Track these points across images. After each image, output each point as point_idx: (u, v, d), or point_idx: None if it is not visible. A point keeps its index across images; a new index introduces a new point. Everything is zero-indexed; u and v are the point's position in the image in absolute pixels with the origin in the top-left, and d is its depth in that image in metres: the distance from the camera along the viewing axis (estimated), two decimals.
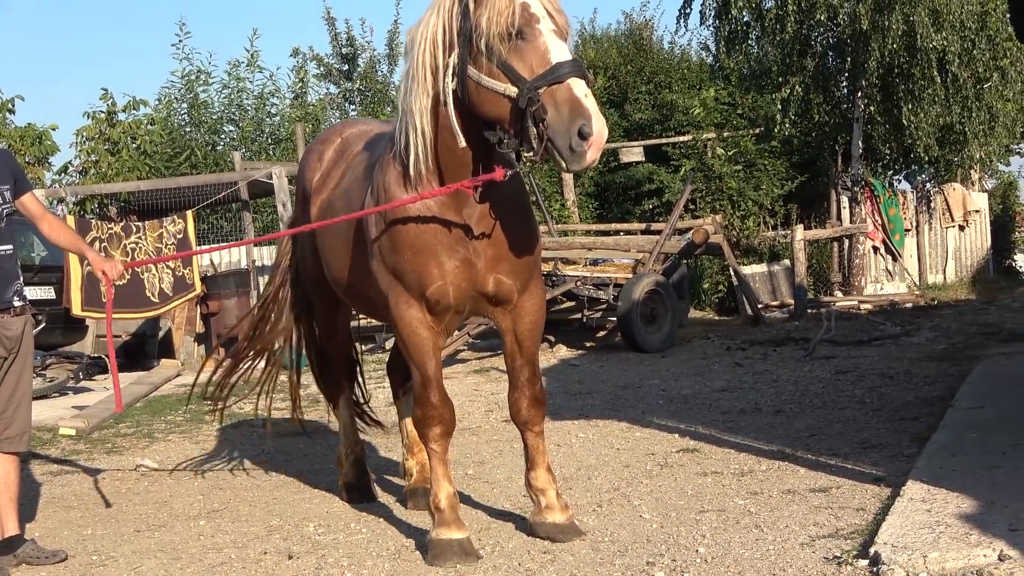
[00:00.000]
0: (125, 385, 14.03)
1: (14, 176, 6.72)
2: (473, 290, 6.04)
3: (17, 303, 6.57)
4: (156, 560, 6.52)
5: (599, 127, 5.20)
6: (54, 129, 25.97)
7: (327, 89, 28.70)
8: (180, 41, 25.96)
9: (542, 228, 18.67)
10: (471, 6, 5.44)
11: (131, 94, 26.34)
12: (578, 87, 5.28)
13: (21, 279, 6.68)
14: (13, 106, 25.84)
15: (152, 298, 15.99)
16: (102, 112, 25.97)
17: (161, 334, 17.73)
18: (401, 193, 5.93)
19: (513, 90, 5.35)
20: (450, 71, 5.59)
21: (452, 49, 5.58)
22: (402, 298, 6.07)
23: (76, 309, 15.09)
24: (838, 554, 5.68)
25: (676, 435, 9.39)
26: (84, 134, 26.11)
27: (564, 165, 5.40)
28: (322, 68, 27.98)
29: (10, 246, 6.58)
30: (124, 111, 25.63)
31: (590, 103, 5.24)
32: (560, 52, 5.37)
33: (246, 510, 7.70)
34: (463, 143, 5.67)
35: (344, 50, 27.92)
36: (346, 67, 28.00)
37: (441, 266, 5.91)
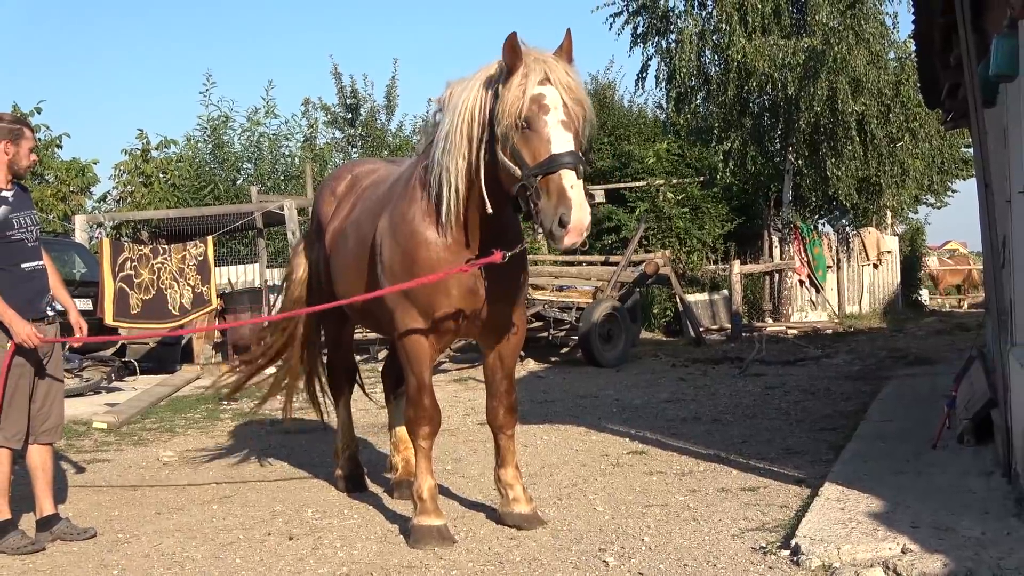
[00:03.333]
0: (151, 386, 14.00)
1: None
2: (476, 318, 6.06)
3: (50, 312, 6.53)
4: (174, 539, 6.47)
5: (578, 217, 5.15)
6: (95, 163, 25.96)
7: (333, 134, 28.70)
8: (207, 89, 25.95)
9: None
10: (501, 91, 5.43)
11: (163, 134, 26.52)
12: (567, 178, 5.20)
13: (51, 292, 6.63)
14: (60, 142, 25.75)
15: (173, 311, 15.92)
16: (138, 149, 25.95)
17: (183, 342, 17.64)
18: (425, 228, 5.95)
19: (519, 172, 5.34)
20: (484, 145, 5.59)
21: (485, 127, 5.57)
22: (409, 315, 6.04)
23: (108, 319, 15.06)
24: (764, 545, 5.68)
25: (627, 439, 9.38)
26: (122, 168, 26.09)
27: (549, 244, 5.64)
28: (329, 116, 27.95)
29: (41, 262, 6.54)
30: (157, 149, 25.62)
31: (575, 194, 5.17)
32: (562, 143, 5.29)
33: (253, 497, 7.65)
34: (491, 209, 5.68)
35: (348, 101, 27.92)
36: (350, 115, 27.98)
37: (450, 294, 5.90)
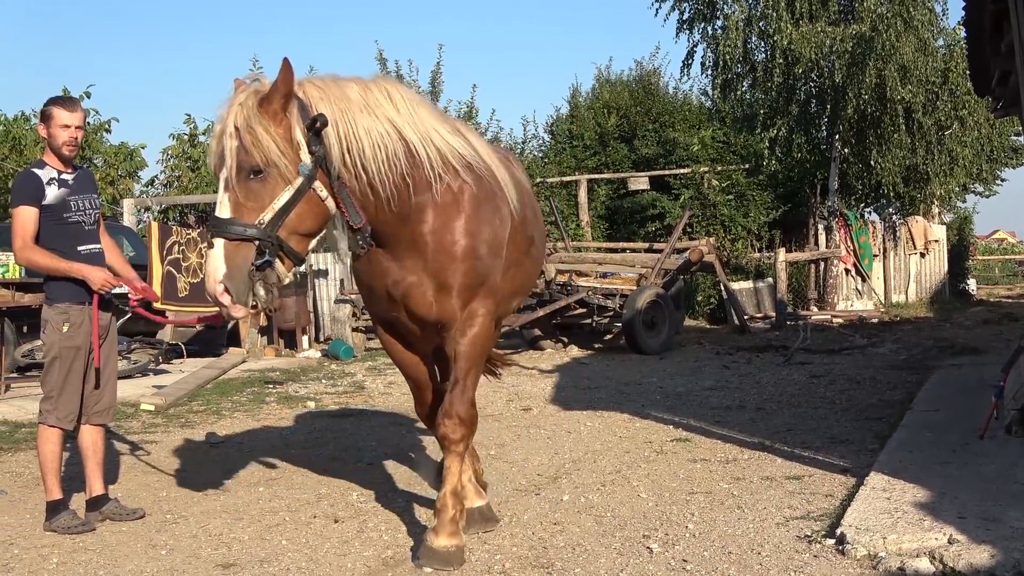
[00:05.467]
0: (198, 368, 14.12)
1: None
2: (409, 310, 5.42)
3: (106, 296, 6.59)
4: (221, 520, 6.53)
5: (209, 285, 4.72)
6: (143, 147, 26.16)
7: None
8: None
9: (559, 245, 18.76)
10: None
11: (211, 119, 26.41)
12: (216, 245, 4.68)
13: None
14: (109, 126, 25.96)
15: None
16: (185, 134, 26.13)
17: (229, 326, 17.77)
18: None
19: None
20: None
21: None
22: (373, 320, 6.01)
23: (156, 303, 15.15)
24: (809, 533, 5.66)
25: (671, 426, 9.37)
26: (169, 152, 26.27)
27: None
28: None
29: (98, 245, 6.60)
30: (204, 133, 25.74)
31: (209, 263, 4.71)
32: (217, 206, 4.79)
33: (299, 479, 7.70)
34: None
35: None
36: None
37: (374, 294, 5.52)
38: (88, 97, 24.75)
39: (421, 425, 9.40)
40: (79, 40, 67.94)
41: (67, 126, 6.42)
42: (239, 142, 4.67)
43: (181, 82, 66.39)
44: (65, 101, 6.70)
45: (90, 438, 6.66)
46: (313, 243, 5.01)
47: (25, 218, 6.35)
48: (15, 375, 13.42)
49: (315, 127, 4.71)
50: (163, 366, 14.66)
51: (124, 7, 69.92)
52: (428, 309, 5.35)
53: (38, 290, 10.53)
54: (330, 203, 4.89)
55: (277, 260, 4.73)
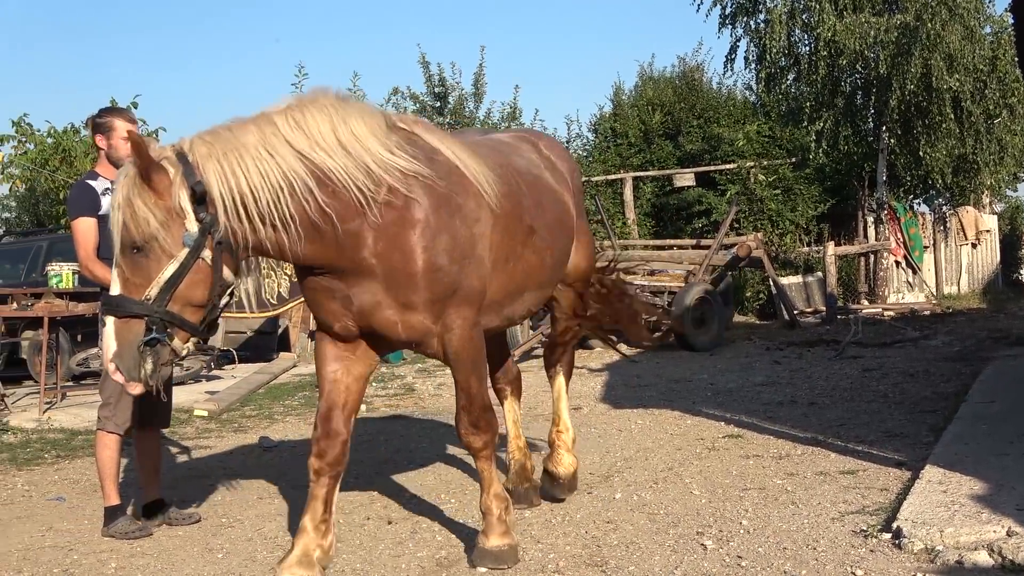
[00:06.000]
0: (250, 374, 14.23)
1: None
2: (366, 327, 5.21)
3: None
4: (275, 523, 6.58)
5: (104, 361, 4.72)
6: None
7: None
8: (299, 81, 26.19)
9: (605, 243, 18.74)
10: None
11: None
12: (107, 322, 4.63)
13: None
14: (157, 136, 26.21)
15: (271, 300, 16.17)
16: None
17: (280, 331, 17.89)
18: None
19: None
20: None
21: None
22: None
23: None
24: (864, 528, 5.62)
25: (722, 423, 9.33)
26: None
27: None
28: (418, 104, 28.08)
29: None
30: None
31: (104, 341, 4.68)
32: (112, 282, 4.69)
33: (351, 481, 7.72)
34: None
35: (437, 89, 27.98)
36: (438, 104, 28.07)
37: (322, 306, 5.25)
38: (136, 107, 24.99)
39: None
40: (124, 50, 68.80)
41: (128, 137, 6.47)
42: (122, 217, 4.53)
43: (227, 90, 66.93)
44: (123, 112, 6.79)
45: (147, 444, 6.74)
46: (216, 313, 4.81)
47: (86, 230, 6.43)
48: (70, 383, 13.59)
49: (196, 194, 4.53)
50: (215, 372, 14.77)
51: (168, 15, 70.69)
52: (394, 328, 5.16)
53: (92, 299, 10.67)
54: (228, 274, 4.70)
55: (174, 335, 4.64)
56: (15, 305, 12.46)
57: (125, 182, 4.55)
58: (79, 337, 14.34)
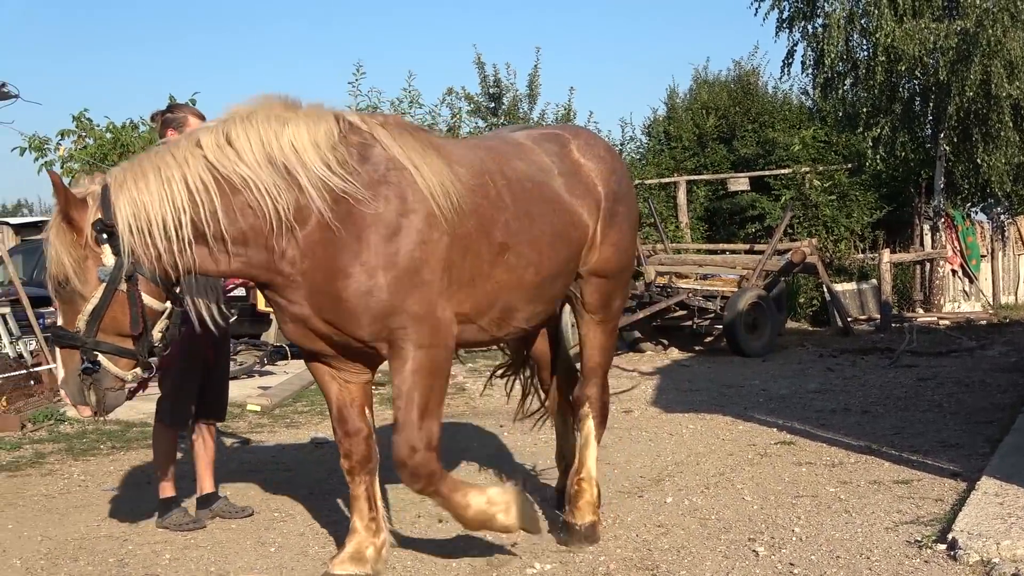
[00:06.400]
0: (302, 370, 14.30)
1: None
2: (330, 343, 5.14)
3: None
4: (327, 518, 6.62)
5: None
6: None
7: (476, 123, 28.88)
8: (356, 80, 26.39)
9: (658, 247, 18.69)
10: None
11: None
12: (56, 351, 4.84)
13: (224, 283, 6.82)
14: None
15: None
16: None
17: None
18: None
19: None
20: None
21: None
22: None
23: (261, 305, 15.39)
24: (919, 539, 5.56)
25: (774, 429, 9.27)
26: None
27: None
28: (472, 105, 28.14)
29: None
30: None
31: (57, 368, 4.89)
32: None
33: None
34: None
35: (491, 90, 28.03)
36: (492, 104, 28.12)
37: (283, 323, 5.22)
38: (194, 104, 25.27)
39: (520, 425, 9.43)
40: (183, 46, 69.65)
41: None
42: (48, 256, 4.67)
43: (285, 87, 67.45)
44: (193, 108, 6.86)
45: (202, 437, 6.82)
46: (155, 335, 4.81)
47: None
48: None
49: (108, 227, 4.60)
50: (268, 367, 14.90)
51: (228, 13, 71.52)
52: (340, 349, 5.13)
53: None
54: (153, 302, 4.73)
55: (108, 362, 4.70)
56: None
57: (51, 221, 4.68)
58: None
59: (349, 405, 5.39)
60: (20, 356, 13.04)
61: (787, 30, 22.60)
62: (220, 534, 6.38)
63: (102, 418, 5.01)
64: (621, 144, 27.96)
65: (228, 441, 9.58)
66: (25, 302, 12.70)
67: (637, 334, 16.85)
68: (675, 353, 16.47)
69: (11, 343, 13.23)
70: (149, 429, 7.97)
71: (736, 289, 16.47)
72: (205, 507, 6.78)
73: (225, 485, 7.55)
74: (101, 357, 4.68)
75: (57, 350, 4.80)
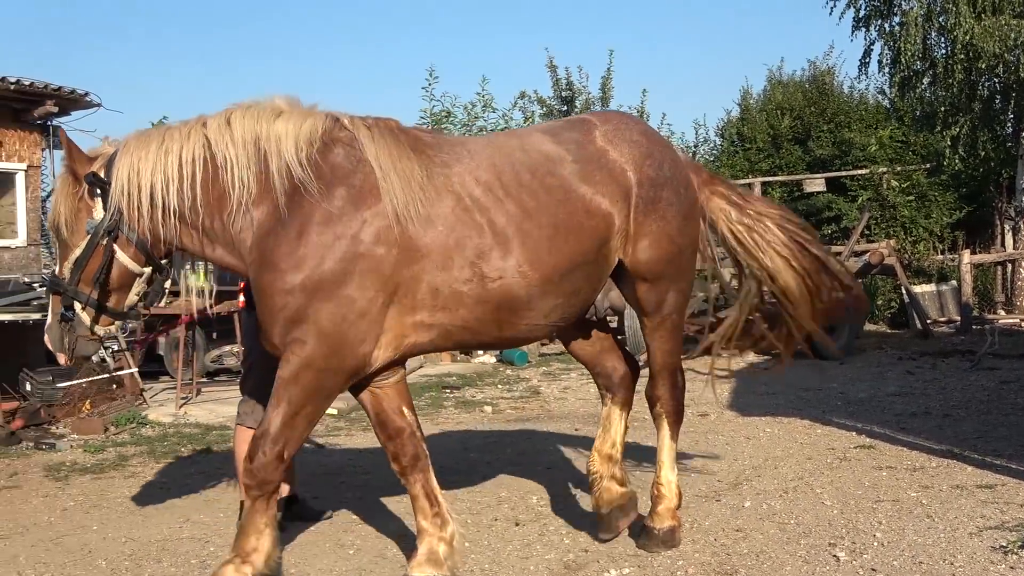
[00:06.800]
0: None
1: None
2: None
3: None
4: (404, 521, 6.63)
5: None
6: None
7: None
8: (429, 84, 26.55)
9: None
10: None
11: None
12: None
13: None
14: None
15: None
16: None
17: None
18: None
19: None
20: None
21: None
22: None
23: None
24: (1004, 544, 5.46)
25: (853, 433, 9.16)
26: None
27: None
28: (544, 108, 28.17)
29: None
30: None
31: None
32: None
33: (479, 483, 7.79)
34: None
35: (564, 93, 28.05)
36: (565, 108, 28.11)
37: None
38: None
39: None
40: (267, 46, 70.52)
41: None
42: (51, 203, 5.14)
43: (360, 92, 67.79)
44: None
45: None
46: (131, 297, 5.12)
47: None
48: (205, 380, 13.96)
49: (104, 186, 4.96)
50: None
51: (311, 19, 72.26)
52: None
53: (227, 298, 10.94)
54: (128, 263, 5.00)
55: (83, 312, 5.02)
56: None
57: (59, 175, 5.17)
58: (214, 335, 14.73)
59: (386, 409, 5.39)
60: (103, 361, 13.27)
61: (863, 29, 22.36)
62: (300, 536, 6.45)
63: (70, 364, 5.42)
64: (695, 146, 27.84)
65: (306, 444, 9.66)
66: None
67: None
68: (751, 356, 16.32)
69: None
70: (229, 432, 8.09)
71: None
72: (285, 509, 6.84)
73: (304, 487, 7.63)
74: (76, 306, 5.00)
75: (49, 296, 5.16)
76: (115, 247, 4.95)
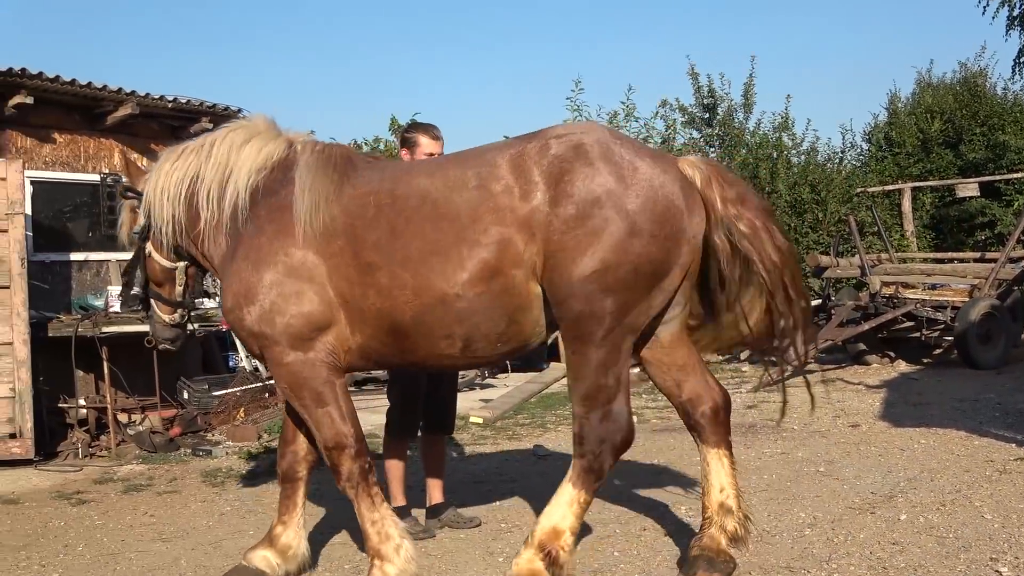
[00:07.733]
0: (522, 383, 14.49)
1: None
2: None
3: None
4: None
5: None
6: None
7: (691, 134, 28.69)
8: (574, 94, 26.63)
9: (883, 256, 18.10)
10: None
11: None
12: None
13: None
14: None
15: None
16: None
17: (550, 340, 18.11)
18: None
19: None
20: None
21: None
22: None
23: None
24: None
25: (1013, 445, 8.83)
26: None
27: None
28: (686, 116, 27.96)
29: None
30: None
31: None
32: None
33: (626, 491, 7.70)
34: None
35: (705, 100, 27.80)
36: (707, 115, 27.87)
37: None
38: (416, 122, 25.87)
39: (749, 440, 9.25)
40: (402, 66, 71.64)
41: (431, 154, 6.70)
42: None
43: (503, 102, 68.28)
44: (430, 128, 6.94)
45: (432, 448, 6.98)
46: (177, 288, 5.94)
47: None
48: (353, 388, 14.20)
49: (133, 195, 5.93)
50: (489, 381, 15.13)
51: (445, 30, 73.25)
52: None
53: None
54: (161, 260, 5.85)
55: (154, 303, 6.01)
56: None
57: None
58: None
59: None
60: (256, 369, 13.63)
61: (1018, 28, 21.70)
62: (449, 543, 6.50)
63: (157, 346, 6.21)
64: (842, 151, 27.27)
65: (453, 452, 9.76)
66: None
67: (862, 346, 16.38)
68: (902, 366, 15.91)
69: (247, 357, 13.84)
70: (378, 440, 8.21)
71: (967, 299, 15.80)
72: (434, 517, 6.92)
73: (452, 495, 7.69)
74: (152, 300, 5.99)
75: None
76: (148, 247, 5.84)
